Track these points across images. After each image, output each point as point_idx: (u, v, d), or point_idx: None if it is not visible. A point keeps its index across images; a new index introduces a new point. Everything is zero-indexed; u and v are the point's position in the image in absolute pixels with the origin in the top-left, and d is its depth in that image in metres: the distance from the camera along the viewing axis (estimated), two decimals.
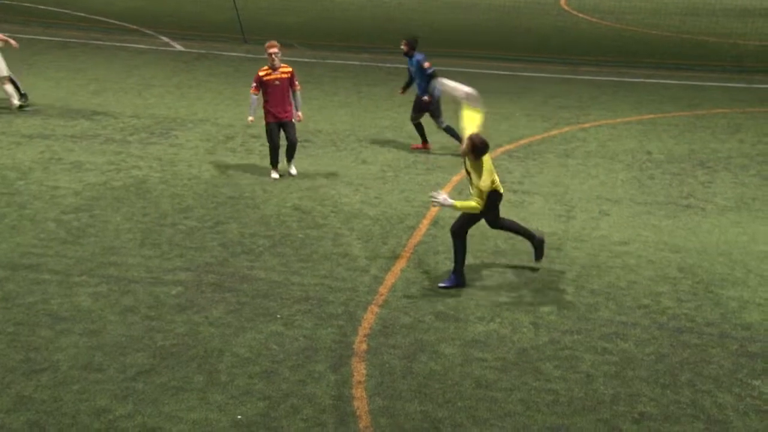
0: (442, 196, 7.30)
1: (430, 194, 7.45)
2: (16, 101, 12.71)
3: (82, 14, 21.88)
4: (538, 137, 12.54)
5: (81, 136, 11.86)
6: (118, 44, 18.44)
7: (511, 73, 16.99)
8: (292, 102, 10.38)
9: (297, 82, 10.40)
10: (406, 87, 11.88)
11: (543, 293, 7.66)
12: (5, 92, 12.69)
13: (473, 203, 7.33)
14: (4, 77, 12.56)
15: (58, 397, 5.91)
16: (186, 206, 9.44)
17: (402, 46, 11.43)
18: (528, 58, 18.32)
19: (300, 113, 10.48)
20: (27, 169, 10.39)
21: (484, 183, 7.29)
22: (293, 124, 10.44)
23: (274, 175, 10.48)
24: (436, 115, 11.46)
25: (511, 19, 23.62)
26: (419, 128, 11.69)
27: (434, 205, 7.74)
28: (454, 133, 11.40)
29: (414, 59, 11.36)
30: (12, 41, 12.67)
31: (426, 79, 11.27)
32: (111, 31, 19.88)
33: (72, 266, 7.88)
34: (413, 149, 11.75)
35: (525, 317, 7.22)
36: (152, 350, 6.54)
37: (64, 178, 10.17)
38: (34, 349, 6.51)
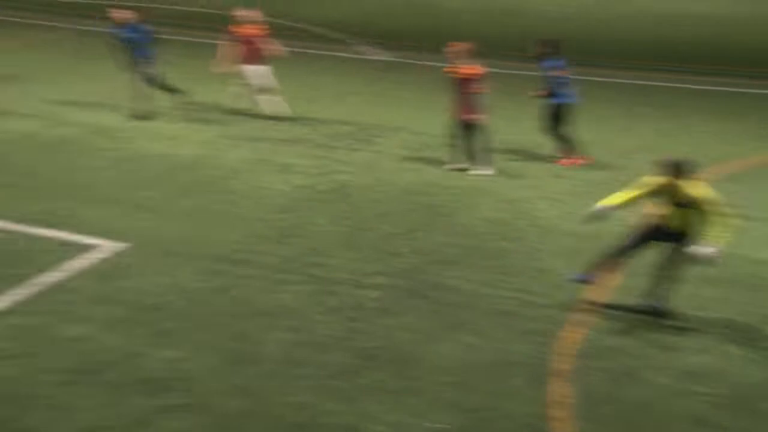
0: (709, 251, 6.75)
1: (702, 258, 6.87)
2: (275, 107, 13.33)
3: (288, 23, 23.12)
4: (766, 159, 11.59)
5: (292, 140, 12.49)
6: (324, 53, 19.29)
7: (735, 89, 15.77)
8: (475, 104, 10.64)
9: (479, 85, 10.57)
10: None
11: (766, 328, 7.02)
12: (261, 101, 13.37)
13: (725, 222, 6.77)
14: (273, 89, 13.25)
15: (265, 388, 6.22)
16: (383, 212, 9.64)
17: (540, 48, 11.13)
18: (755, 74, 16.94)
19: (476, 116, 10.67)
20: (240, 170, 11.09)
21: (709, 196, 6.79)
22: (472, 128, 10.74)
23: (447, 166, 11.05)
24: (557, 121, 11.19)
25: (732, 33, 22.04)
26: (564, 139, 11.36)
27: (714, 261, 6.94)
28: (569, 141, 11.27)
29: (554, 62, 11.03)
30: (279, 50, 13.31)
31: (555, 85, 11.02)
32: (316, 40, 20.85)
33: (278, 264, 8.28)
34: (576, 164, 11.36)
35: (745, 352, 6.66)
36: (353, 351, 6.72)
37: (274, 179, 10.75)
38: (243, 340, 6.90)
